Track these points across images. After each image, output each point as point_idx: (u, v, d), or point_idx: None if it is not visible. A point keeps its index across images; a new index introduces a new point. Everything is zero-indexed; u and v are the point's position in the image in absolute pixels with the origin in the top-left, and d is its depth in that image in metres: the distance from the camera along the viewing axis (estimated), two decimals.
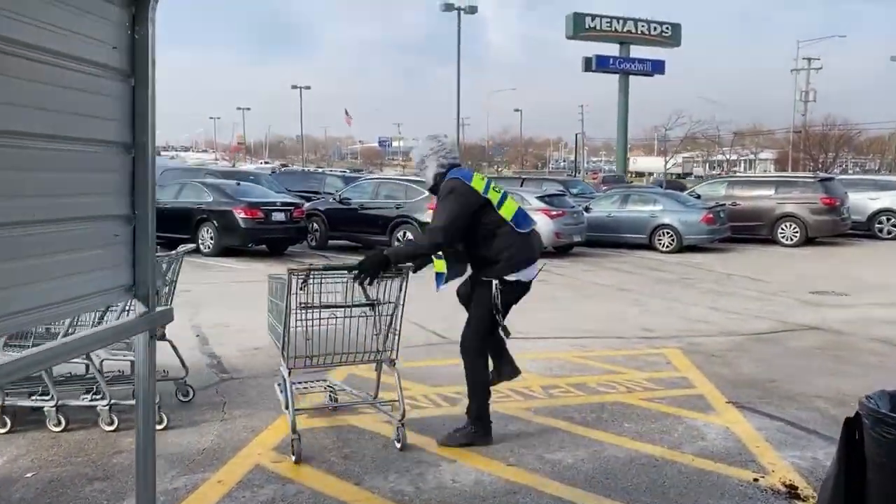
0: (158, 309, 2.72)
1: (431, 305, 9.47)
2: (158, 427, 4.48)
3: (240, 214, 13.84)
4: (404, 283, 4.45)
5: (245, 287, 10.99)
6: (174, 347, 5.16)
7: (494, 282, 4.22)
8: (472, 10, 38.01)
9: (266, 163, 74.75)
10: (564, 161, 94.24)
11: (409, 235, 14.76)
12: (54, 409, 4.39)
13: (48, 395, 4.41)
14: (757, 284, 12.04)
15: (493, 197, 4.27)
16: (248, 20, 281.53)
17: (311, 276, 4.22)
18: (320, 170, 36.20)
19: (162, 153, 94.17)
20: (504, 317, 4.35)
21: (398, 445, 4.37)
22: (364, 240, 15.59)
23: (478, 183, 4.28)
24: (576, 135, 64.15)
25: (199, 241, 14.41)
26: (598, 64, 44.62)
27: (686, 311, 9.48)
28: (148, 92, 2.61)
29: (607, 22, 44.28)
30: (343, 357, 4.45)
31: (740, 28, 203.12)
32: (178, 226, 14.72)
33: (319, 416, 4.88)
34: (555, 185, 22.48)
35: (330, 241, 16.12)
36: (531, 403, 5.39)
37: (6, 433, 4.38)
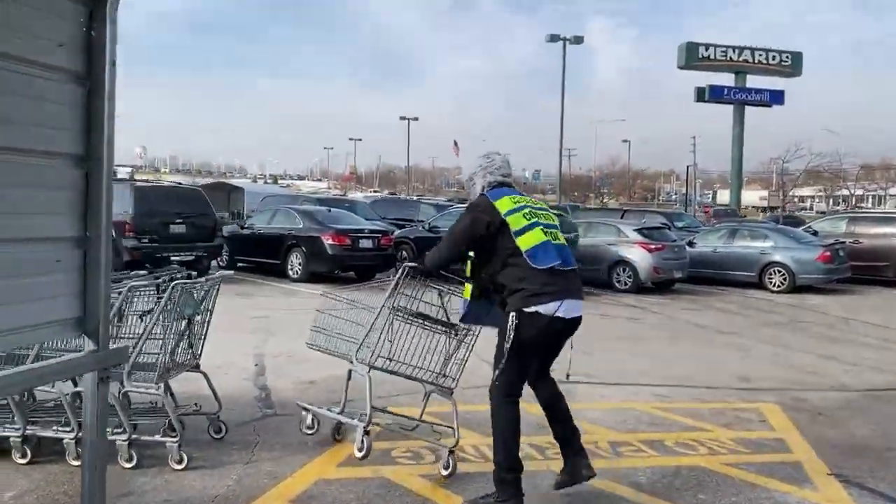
0: (113, 347, 2.36)
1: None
2: (178, 467, 4.19)
3: (327, 241, 13.80)
4: None
5: None
6: (208, 379, 4.88)
7: (512, 314, 3.73)
8: (578, 40, 37.48)
9: (375, 191, 76.48)
10: (676, 194, 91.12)
11: None
12: (73, 441, 4.17)
13: (69, 426, 4.20)
14: (878, 331, 10.76)
15: (515, 222, 3.80)
16: (362, 55, 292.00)
17: (421, 276, 4.36)
18: (415, 198, 36.33)
19: (278, 182, 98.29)
20: (522, 358, 3.80)
21: (445, 473, 4.27)
22: (453, 268, 15.19)
23: (504, 203, 3.85)
24: (687, 167, 61.84)
25: (289, 267, 14.49)
26: (712, 94, 42.86)
27: (793, 360, 8.48)
28: (104, 97, 2.29)
29: (722, 51, 42.55)
30: (412, 370, 4.46)
31: (868, 56, 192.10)
32: (269, 251, 14.91)
33: (348, 464, 4.45)
34: (657, 217, 21.45)
35: None
36: (593, 463, 4.75)
37: (26, 464, 4.19)
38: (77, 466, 4.17)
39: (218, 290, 4.86)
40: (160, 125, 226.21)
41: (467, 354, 4.59)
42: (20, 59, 2.08)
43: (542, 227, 3.86)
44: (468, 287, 4.04)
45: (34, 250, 2.15)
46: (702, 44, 42.80)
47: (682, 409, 6.06)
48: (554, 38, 37.41)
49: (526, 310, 3.70)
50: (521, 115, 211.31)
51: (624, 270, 15.61)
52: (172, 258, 13.46)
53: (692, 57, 42.20)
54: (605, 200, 73.81)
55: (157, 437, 4.35)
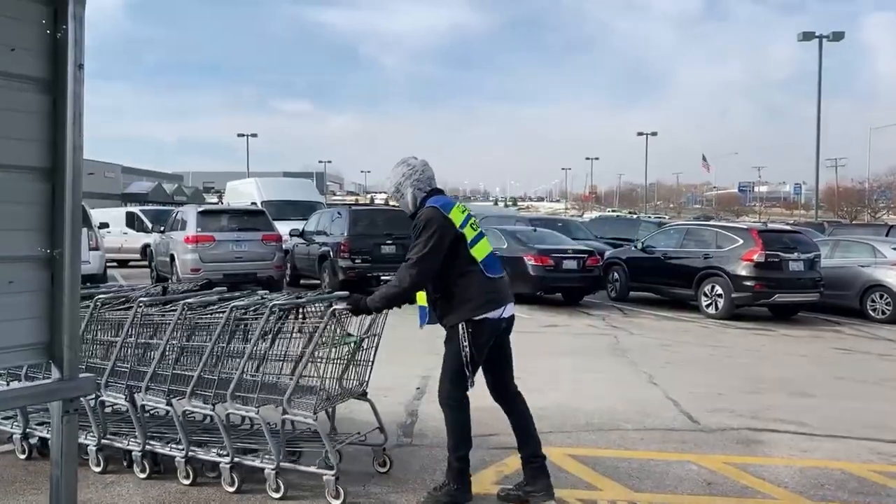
0: (81, 376, 2.16)
1: (701, 376, 7.84)
2: (336, 502, 3.90)
3: (529, 261, 13.38)
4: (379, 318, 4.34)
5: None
6: (374, 409, 4.57)
7: (461, 325, 3.88)
8: (838, 36, 33.37)
9: (612, 210, 74.84)
10: None
11: (718, 290, 12.84)
12: (183, 460, 4.17)
13: (225, 451, 4.15)
14: None
15: (469, 234, 3.95)
16: (598, 74, 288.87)
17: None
18: (634, 215, 34.57)
19: (517, 203, 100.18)
20: (478, 362, 3.96)
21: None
22: (668, 292, 14.00)
23: (456, 215, 3.94)
24: None
25: None
26: None
27: None
28: (69, 105, 2.11)
29: None
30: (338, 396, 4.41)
31: None
32: None
33: None
34: None
35: (631, 293, 14.81)
36: None
37: (145, 479, 4.26)
38: (232, 492, 4.08)
39: (386, 315, 4.54)
40: (414, 154, 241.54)
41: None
42: None
43: (485, 237, 4.05)
44: (422, 294, 4.06)
45: None
46: None
47: None
48: (808, 37, 33.68)
49: (475, 318, 3.86)
50: (781, 123, 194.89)
51: (881, 297, 13.31)
52: (382, 278, 13.95)
53: None
54: (876, 216, 64.93)
55: (313, 469, 4.09)
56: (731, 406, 6.54)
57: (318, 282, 14.89)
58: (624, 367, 8.30)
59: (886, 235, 18.19)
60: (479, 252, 3.94)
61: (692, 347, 9.97)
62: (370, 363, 4.47)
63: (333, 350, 4.28)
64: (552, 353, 9.00)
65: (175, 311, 4.23)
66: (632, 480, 4.52)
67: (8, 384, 4.43)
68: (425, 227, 3.88)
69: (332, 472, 3.93)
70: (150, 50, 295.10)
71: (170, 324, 4.23)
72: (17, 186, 2.07)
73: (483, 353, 3.97)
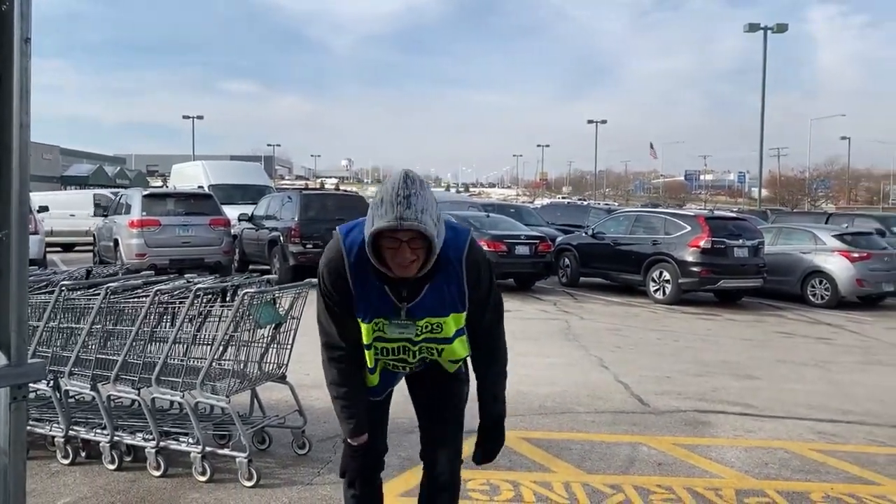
0: (31, 361, 2.08)
1: (650, 360, 8.02)
2: (248, 484, 3.97)
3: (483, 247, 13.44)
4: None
5: None
6: (293, 391, 4.62)
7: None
8: (781, 28, 34.19)
9: (563, 197, 75.75)
10: None
11: (666, 275, 13.11)
12: (154, 451, 4.08)
13: (152, 436, 4.10)
14: None
15: None
16: (550, 61, 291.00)
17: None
18: (584, 202, 35.10)
19: (469, 189, 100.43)
20: None
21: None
22: (617, 278, 14.23)
23: None
24: None
25: None
26: None
27: None
28: (15, 80, 2.02)
29: None
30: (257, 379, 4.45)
31: None
32: None
33: (412, 495, 3.97)
34: (869, 222, 18.82)
35: (582, 278, 15.01)
36: None
37: (113, 470, 4.17)
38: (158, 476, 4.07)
39: (306, 298, 4.53)
40: (365, 139, 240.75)
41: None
42: None
43: None
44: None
45: None
46: None
47: (849, 454, 4.93)
48: (753, 28, 34.41)
49: None
50: (727, 113, 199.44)
51: (820, 282, 13.76)
52: None
53: None
54: (815, 203, 67.16)
55: (227, 451, 4.16)
56: (679, 389, 6.70)
57: (268, 267, 14.69)
58: (575, 352, 8.42)
59: (826, 223, 18.81)
60: None
61: (641, 332, 10.16)
62: (289, 346, 4.48)
63: (250, 333, 4.26)
64: None
65: (99, 295, 4.14)
66: (584, 462, 4.60)
67: None
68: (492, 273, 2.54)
69: (245, 455, 3.99)
70: (90, 27, 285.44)
71: (93, 308, 4.13)
72: None
73: None
